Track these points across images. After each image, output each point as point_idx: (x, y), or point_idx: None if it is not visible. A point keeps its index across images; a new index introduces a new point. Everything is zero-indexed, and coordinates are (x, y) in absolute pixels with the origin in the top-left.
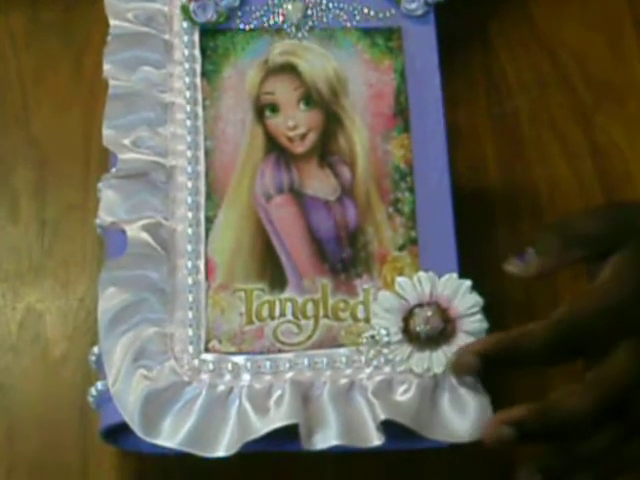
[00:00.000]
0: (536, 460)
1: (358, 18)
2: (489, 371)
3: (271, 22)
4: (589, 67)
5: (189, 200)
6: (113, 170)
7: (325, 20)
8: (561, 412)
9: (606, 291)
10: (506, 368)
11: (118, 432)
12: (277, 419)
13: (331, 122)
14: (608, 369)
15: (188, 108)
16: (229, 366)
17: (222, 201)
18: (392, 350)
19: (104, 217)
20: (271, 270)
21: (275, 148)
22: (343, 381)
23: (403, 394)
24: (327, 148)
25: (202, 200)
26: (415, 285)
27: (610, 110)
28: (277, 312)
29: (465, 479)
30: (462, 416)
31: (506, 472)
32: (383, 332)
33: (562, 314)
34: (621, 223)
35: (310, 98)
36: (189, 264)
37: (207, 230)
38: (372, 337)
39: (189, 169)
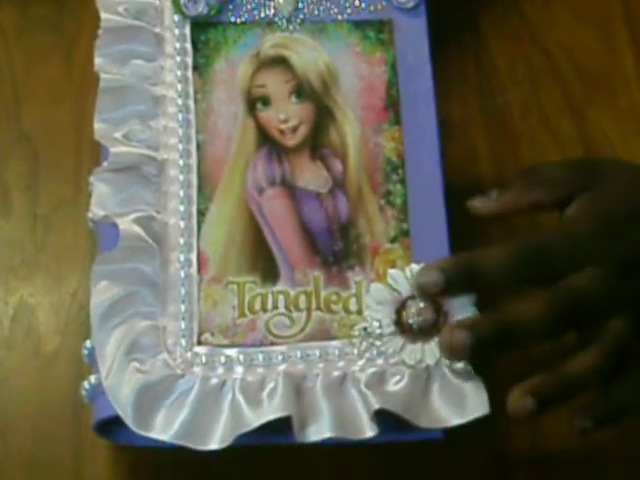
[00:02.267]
0: (528, 383)
1: (349, 11)
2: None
3: (262, 15)
4: (581, 61)
5: (181, 193)
6: (105, 164)
7: (316, 13)
8: (516, 317)
9: (570, 223)
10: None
11: (111, 426)
12: (270, 412)
13: (322, 115)
14: (567, 283)
15: (179, 101)
16: (222, 359)
17: (214, 194)
18: (385, 342)
19: (96, 211)
20: (263, 263)
21: (267, 141)
22: (336, 373)
23: (395, 385)
24: (318, 141)
25: (194, 193)
26: (407, 277)
27: (602, 104)
28: (269, 305)
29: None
30: (456, 402)
31: (505, 471)
32: (375, 324)
33: (524, 237)
34: (586, 170)
35: (301, 91)
36: (181, 257)
37: (199, 223)
38: (364, 329)
39: (181, 162)
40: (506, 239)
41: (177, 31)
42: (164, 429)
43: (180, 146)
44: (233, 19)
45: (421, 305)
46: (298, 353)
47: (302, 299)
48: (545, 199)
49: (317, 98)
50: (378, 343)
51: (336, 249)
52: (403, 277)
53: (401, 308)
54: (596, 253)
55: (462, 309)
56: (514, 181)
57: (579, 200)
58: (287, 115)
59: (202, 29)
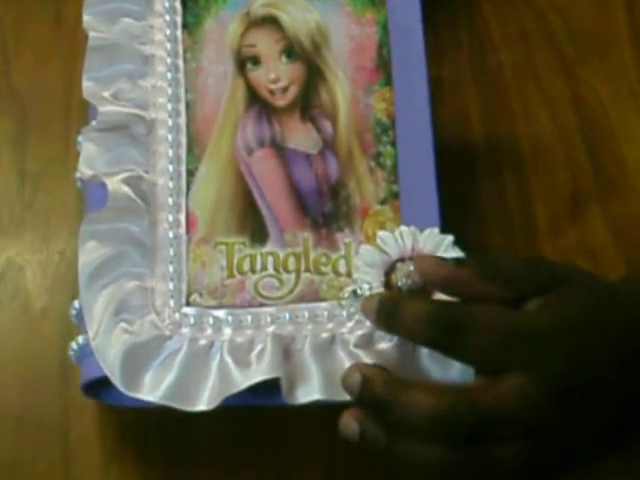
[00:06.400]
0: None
1: None
2: None
3: None
4: (573, 21)
5: (170, 153)
6: (93, 123)
7: None
8: (405, 401)
9: (514, 319)
10: None
11: (99, 386)
12: (258, 373)
13: (313, 75)
14: (475, 395)
15: (169, 60)
16: (210, 320)
17: (203, 154)
18: None
19: (84, 170)
20: (252, 224)
21: (257, 101)
22: (324, 335)
23: (385, 345)
24: (309, 101)
25: (183, 153)
26: (397, 239)
27: (593, 64)
28: (258, 266)
29: None
30: (445, 361)
31: None
32: (365, 286)
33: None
34: (543, 273)
35: (292, 51)
36: (170, 217)
37: (188, 183)
38: (354, 291)
39: (170, 122)
40: (500, 211)
41: None
42: (152, 390)
43: (169, 105)
44: None
45: (410, 268)
46: (287, 315)
47: (291, 260)
48: (498, 295)
49: (307, 58)
50: None
51: (326, 210)
52: (392, 239)
53: (390, 270)
54: (529, 359)
55: None
56: (471, 266)
57: (535, 301)
58: (277, 75)
59: None
